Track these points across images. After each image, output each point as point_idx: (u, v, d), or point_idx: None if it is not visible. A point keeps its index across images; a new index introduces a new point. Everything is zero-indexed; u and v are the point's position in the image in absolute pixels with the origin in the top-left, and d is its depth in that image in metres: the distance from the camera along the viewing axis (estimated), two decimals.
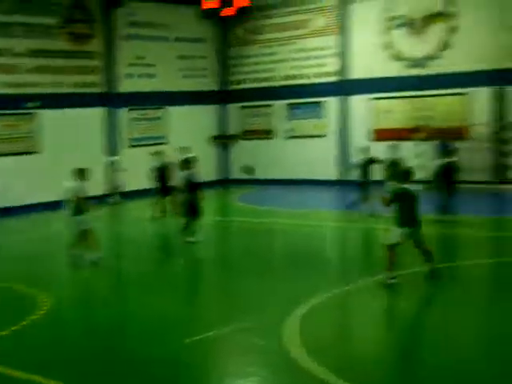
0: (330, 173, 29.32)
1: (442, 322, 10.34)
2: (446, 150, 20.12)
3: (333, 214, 22.25)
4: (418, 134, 26.66)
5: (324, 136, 29.97)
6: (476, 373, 8.16)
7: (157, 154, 22.54)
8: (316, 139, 30.00)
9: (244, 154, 31.94)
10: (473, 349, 9.20)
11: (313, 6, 29.87)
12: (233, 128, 32.43)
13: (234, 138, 32.35)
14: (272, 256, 16.34)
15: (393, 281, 12.02)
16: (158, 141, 29.24)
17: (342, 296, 12.05)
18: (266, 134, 31.58)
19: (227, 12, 30.25)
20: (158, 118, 29.92)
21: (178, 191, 18.05)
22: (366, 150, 21.21)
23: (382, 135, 28.10)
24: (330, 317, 11.01)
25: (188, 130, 29.91)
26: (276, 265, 15.25)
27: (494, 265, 14.44)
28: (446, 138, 24.66)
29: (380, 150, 21.73)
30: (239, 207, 24.80)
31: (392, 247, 12.16)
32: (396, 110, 28.13)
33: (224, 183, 31.45)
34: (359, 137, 28.68)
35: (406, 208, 12.08)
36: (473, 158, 25.01)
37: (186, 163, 17.49)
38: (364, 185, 20.56)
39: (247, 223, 20.98)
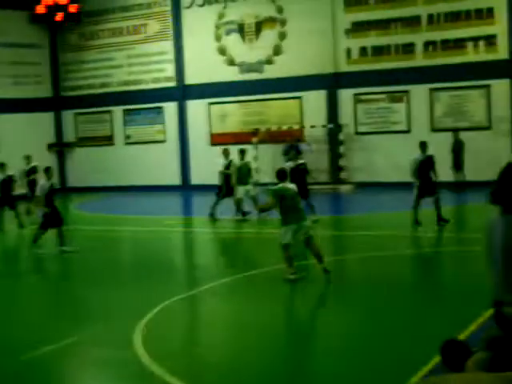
0: (173, 178, 29.36)
1: (291, 322, 10.61)
2: (293, 153, 20.57)
3: (178, 220, 22.27)
4: (255, 138, 27.24)
5: (164, 142, 29.99)
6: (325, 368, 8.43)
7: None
8: (156, 145, 29.96)
9: (82, 161, 31.39)
10: (322, 346, 9.49)
11: (148, 12, 29.81)
12: (70, 135, 31.79)
13: (70, 145, 31.71)
14: (116, 264, 16.14)
15: (292, 276, 12.22)
16: None
17: (191, 301, 12.11)
18: (105, 140, 31.18)
19: (59, 17, 29.75)
20: None
21: (36, 201, 17.42)
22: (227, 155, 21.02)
23: (219, 139, 28.47)
24: (180, 322, 11.03)
25: (22, 139, 28.95)
26: (122, 273, 15.06)
27: (341, 262, 14.97)
28: (294, 140, 25.41)
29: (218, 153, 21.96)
30: (78, 215, 24.33)
31: (286, 246, 12.35)
32: (232, 114, 28.59)
33: (61, 191, 30.74)
34: (198, 141, 28.98)
35: (288, 206, 12.31)
36: (310, 160, 25.76)
37: (48, 172, 16.88)
38: (224, 190, 20.43)
39: (87, 231, 20.62)
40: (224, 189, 20.27)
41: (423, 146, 17.53)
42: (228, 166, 20.48)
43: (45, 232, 16.81)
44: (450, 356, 5.58)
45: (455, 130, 24.49)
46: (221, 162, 20.72)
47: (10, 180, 21.20)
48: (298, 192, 12.90)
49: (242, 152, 20.92)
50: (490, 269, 5.52)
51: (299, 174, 18.16)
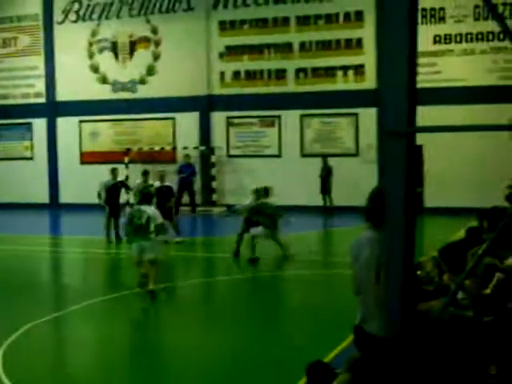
0: (41, 196, 28.62)
1: (151, 344, 10.53)
2: (159, 174, 20.42)
3: (46, 239, 21.68)
4: (127, 157, 27.00)
5: (32, 159, 29.23)
6: None
7: None
8: (25, 161, 29.14)
9: None
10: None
11: (19, 25, 29.08)
12: None
13: None
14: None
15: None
16: None
17: (55, 322, 11.81)
18: None
19: None
20: None
21: None
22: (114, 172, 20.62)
23: (90, 158, 28.06)
24: (43, 345, 10.73)
25: None
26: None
27: (206, 284, 14.98)
28: (155, 161, 25.34)
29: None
30: None
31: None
32: (104, 133, 28.24)
33: None
34: (69, 159, 28.45)
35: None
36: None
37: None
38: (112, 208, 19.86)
39: None
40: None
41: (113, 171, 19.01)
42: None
43: None
44: (315, 377, 5.69)
45: (324, 156, 25.14)
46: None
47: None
48: (162, 213, 13.12)
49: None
50: (355, 285, 5.69)
51: (163, 196, 18.48)
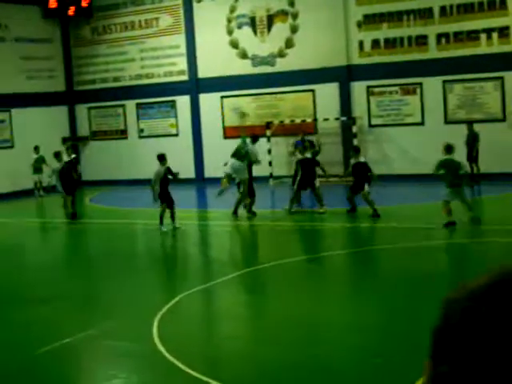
0: (187, 171, 29.37)
1: (300, 317, 10.67)
2: (305, 146, 20.75)
3: (192, 213, 22.31)
4: (269, 130, 27.28)
5: (177, 135, 30.05)
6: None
7: None
8: (170, 138, 30.00)
9: (96, 155, 31.49)
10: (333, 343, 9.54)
11: (159, 5, 29.83)
12: (84, 129, 31.91)
13: (84, 139, 31.82)
14: (131, 257, 16.22)
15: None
16: (3, 145, 28.44)
17: (204, 293, 12.18)
18: (118, 134, 31.29)
19: (72, 11, 29.87)
20: (2, 122, 28.98)
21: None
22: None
23: (233, 133, 28.51)
24: (196, 315, 11.10)
25: (36, 133, 29.08)
26: (135, 266, 15.14)
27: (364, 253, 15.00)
28: (303, 133, 25.29)
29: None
30: (93, 208, 24.46)
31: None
32: (246, 107, 28.59)
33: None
34: (212, 134, 29.03)
35: None
36: (324, 153, 25.72)
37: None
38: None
39: (102, 224, 20.73)
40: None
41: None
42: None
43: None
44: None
45: (470, 122, 24.39)
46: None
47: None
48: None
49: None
50: None
51: (306, 166, 19.49)
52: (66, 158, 22.47)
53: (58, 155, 22.04)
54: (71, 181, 21.64)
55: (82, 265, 16.00)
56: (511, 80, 24.19)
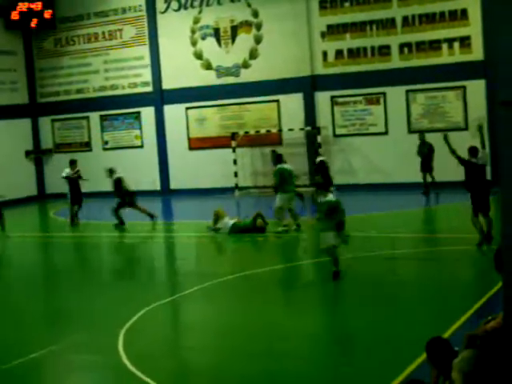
0: (150, 183, 29.24)
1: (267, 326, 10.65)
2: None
3: (161, 225, 22.21)
4: (234, 142, 27.28)
5: (142, 147, 29.93)
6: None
7: None
8: (134, 150, 29.88)
9: (60, 168, 31.12)
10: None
11: (123, 17, 29.73)
12: (47, 142, 31.63)
13: (47, 152, 31.54)
14: (96, 271, 16.09)
15: None
16: None
17: (170, 306, 12.12)
18: (83, 146, 31.06)
19: (34, 23, 29.68)
20: None
21: None
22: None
23: (198, 144, 28.52)
24: (161, 328, 11.03)
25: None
26: (101, 280, 15.02)
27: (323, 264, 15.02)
28: (262, 144, 25.37)
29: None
30: (56, 222, 24.23)
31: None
32: (210, 118, 28.58)
33: (39, 198, 30.60)
34: (177, 146, 28.96)
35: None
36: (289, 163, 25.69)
37: None
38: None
39: (65, 238, 20.55)
40: None
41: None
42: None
43: None
44: (435, 354, 5.66)
45: (421, 132, 24.39)
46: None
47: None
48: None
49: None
50: None
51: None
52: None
53: (72, 163, 23.10)
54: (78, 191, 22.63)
55: (47, 279, 15.84)
56: (473, 89, 24.47)
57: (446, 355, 5.48)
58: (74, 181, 22.76)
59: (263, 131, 27.38)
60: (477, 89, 24.32)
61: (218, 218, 18.84)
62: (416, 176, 24.18)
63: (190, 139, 28.99)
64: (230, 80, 28.19)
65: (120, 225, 20.68)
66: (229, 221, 18.71)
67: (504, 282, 4.84)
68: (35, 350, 9.63)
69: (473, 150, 15.79)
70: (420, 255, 15.20)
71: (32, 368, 9.22)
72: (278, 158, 19.30)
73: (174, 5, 28.88)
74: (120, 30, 29.92)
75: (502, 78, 4.18)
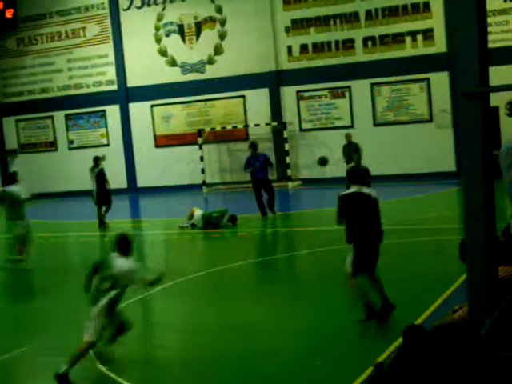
0: (118, 181, 29.09)
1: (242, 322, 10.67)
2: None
3: (129, 223, 22.11)
4: (200, 138, 27.23)
5: (108, 145, 29.77)
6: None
7: None
8: (101, 148, 29.69)
9: (25, 168, 30.92)
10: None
11: (86, 15, 29.54)
12: (12, 142, 31.33)
13: (11, 152, 31.25)
14: (66, 272, 15.96)
15: None
16: None
17: (141, 303, 12.08)
18: (48, 146, 30.82)
19: None
20: None
21: None
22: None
23: (164, 141, 28.44)
24: (133, 326, 10.97)
25: None
26: (71, 281, 14.88)
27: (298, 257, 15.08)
28: (228, 140, 25.39)
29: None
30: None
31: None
32: (176, 115, 28.51)
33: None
34: (143, 144, 28.87)
35: None
36: None
37: None
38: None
39: (40, 238, 20.37)
40: None
41: None
42: None
43: None
44: (411, 340, 5.70)
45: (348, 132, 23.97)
46: None
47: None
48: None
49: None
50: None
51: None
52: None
53: (97, 159, 20.69)
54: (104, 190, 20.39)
55: (16, 280, 15.69)
56: (437, 81, 24.69)
57: (423, 342, 5.53)
58: (101, 179, 20.45)
59: (229, 127, 27.39)
60: (440, 81, 24.55)
61: (192, 214, 18.99)
62: (381, 169, 24.37)
63: (156, 137, 28.92)
64: (196, 76, 28.14)
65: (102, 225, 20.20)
66: (198, 213, 18.91)
67: (468, 272, 4.90)
68: (5, 352, 9.55)
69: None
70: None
71: (0, 371, 9.15)
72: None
73: (137, 2, 28.75)
74: (83, 28, 29.72)
75: (460, 70, 4.23)
